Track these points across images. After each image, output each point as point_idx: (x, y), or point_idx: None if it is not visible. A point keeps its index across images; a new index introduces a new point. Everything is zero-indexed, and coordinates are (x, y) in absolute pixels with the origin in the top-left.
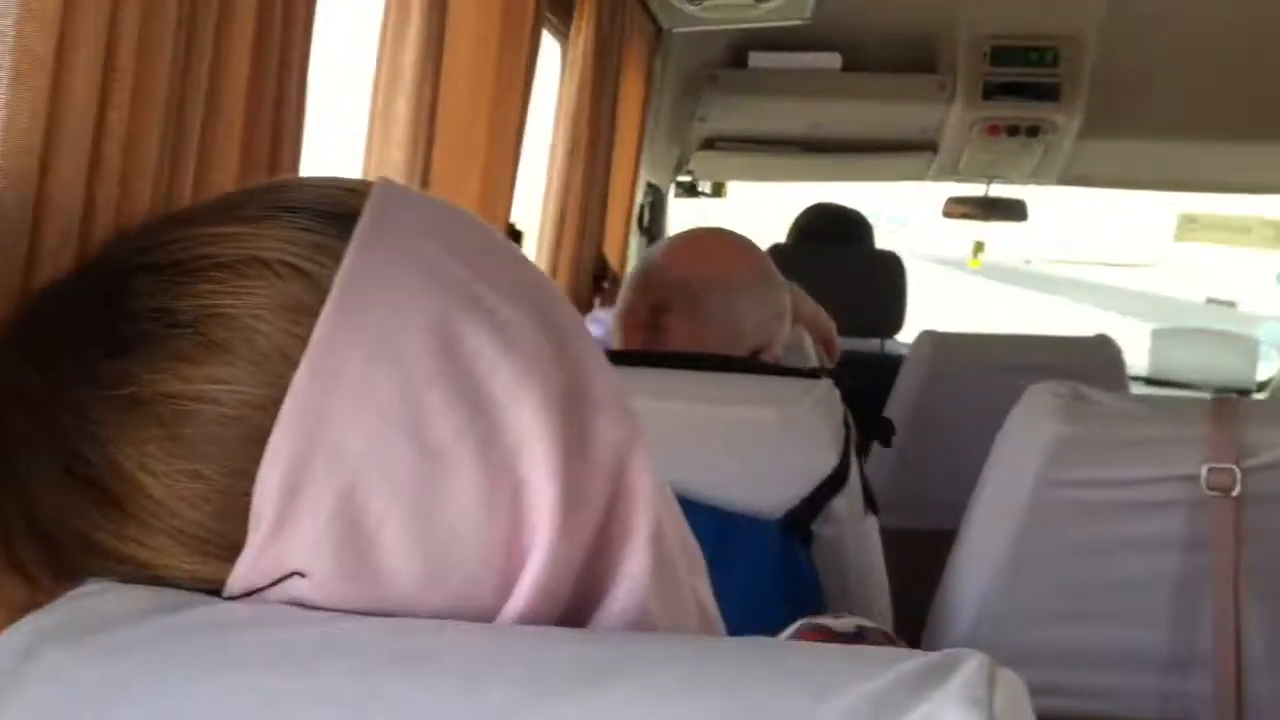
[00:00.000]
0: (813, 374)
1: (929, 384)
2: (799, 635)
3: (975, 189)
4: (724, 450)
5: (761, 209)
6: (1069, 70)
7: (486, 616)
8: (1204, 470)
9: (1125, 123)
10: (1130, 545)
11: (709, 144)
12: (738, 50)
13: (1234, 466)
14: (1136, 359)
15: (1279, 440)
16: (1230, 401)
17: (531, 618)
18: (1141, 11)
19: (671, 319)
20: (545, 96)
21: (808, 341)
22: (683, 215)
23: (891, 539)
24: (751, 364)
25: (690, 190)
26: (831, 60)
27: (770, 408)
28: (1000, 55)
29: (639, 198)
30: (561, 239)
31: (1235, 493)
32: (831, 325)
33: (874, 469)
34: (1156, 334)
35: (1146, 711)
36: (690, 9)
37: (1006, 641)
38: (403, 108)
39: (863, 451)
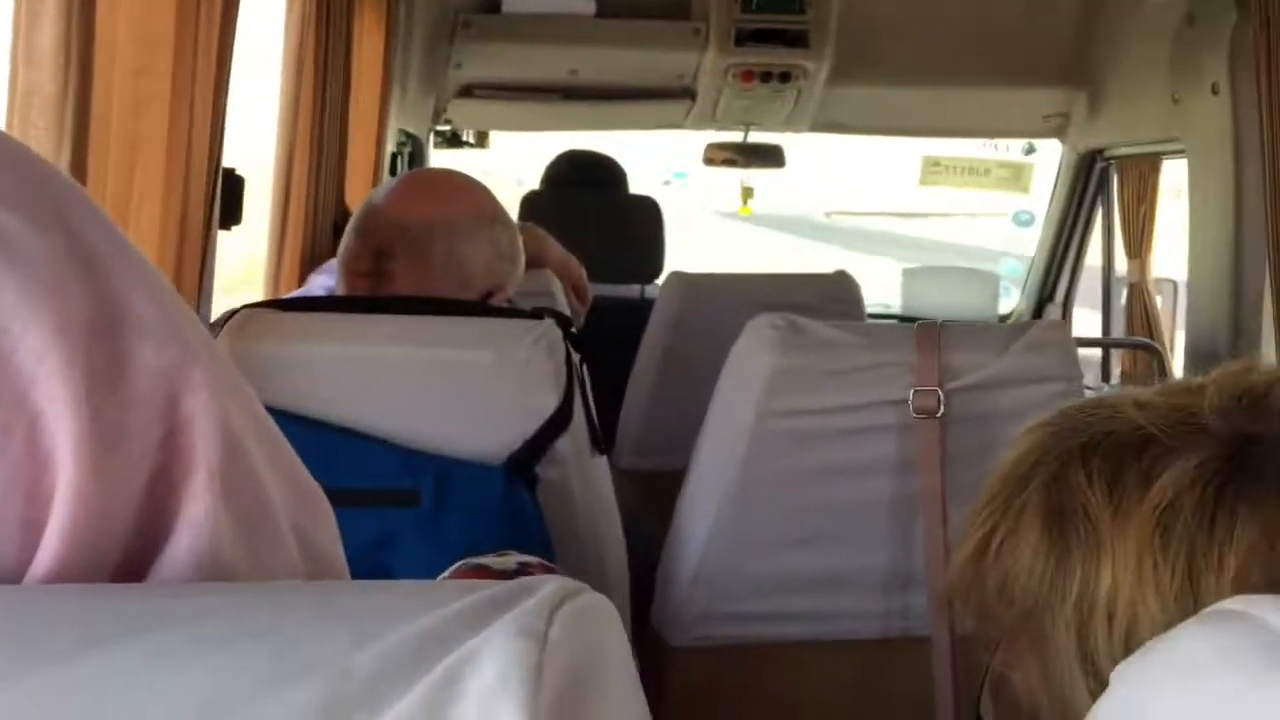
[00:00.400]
0: (535, 315)
1: (678, 324)
2: (456, 575)
3: (736, 136)
4: (443, 395)
5: (537, 159)
6: (817, 17)
7: (14, 576)
8: (911, 394)
9: (872, 69)
10: (848, 470)
11: (466, 92)
12: None
13: (938, 389)
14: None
15: (979, 362)
16: (934, 326)
17: (66, 574)
18: None
19: (395, 264)
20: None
21: (556, 287)
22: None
23: (645, 480)
24: (472, 306)
25: (453, 140)
26: (586, 5)
27: (487, 349)
28: (750, 1)
29: (390, 146)
30: (290, 186)
31: (940, 414)
32: (581, 271)
33: (627, 412)
34: (907, 273)
35: (871, 631)
36: None
37: (734, 571)
38: (48, 33)
39: (616, 395)
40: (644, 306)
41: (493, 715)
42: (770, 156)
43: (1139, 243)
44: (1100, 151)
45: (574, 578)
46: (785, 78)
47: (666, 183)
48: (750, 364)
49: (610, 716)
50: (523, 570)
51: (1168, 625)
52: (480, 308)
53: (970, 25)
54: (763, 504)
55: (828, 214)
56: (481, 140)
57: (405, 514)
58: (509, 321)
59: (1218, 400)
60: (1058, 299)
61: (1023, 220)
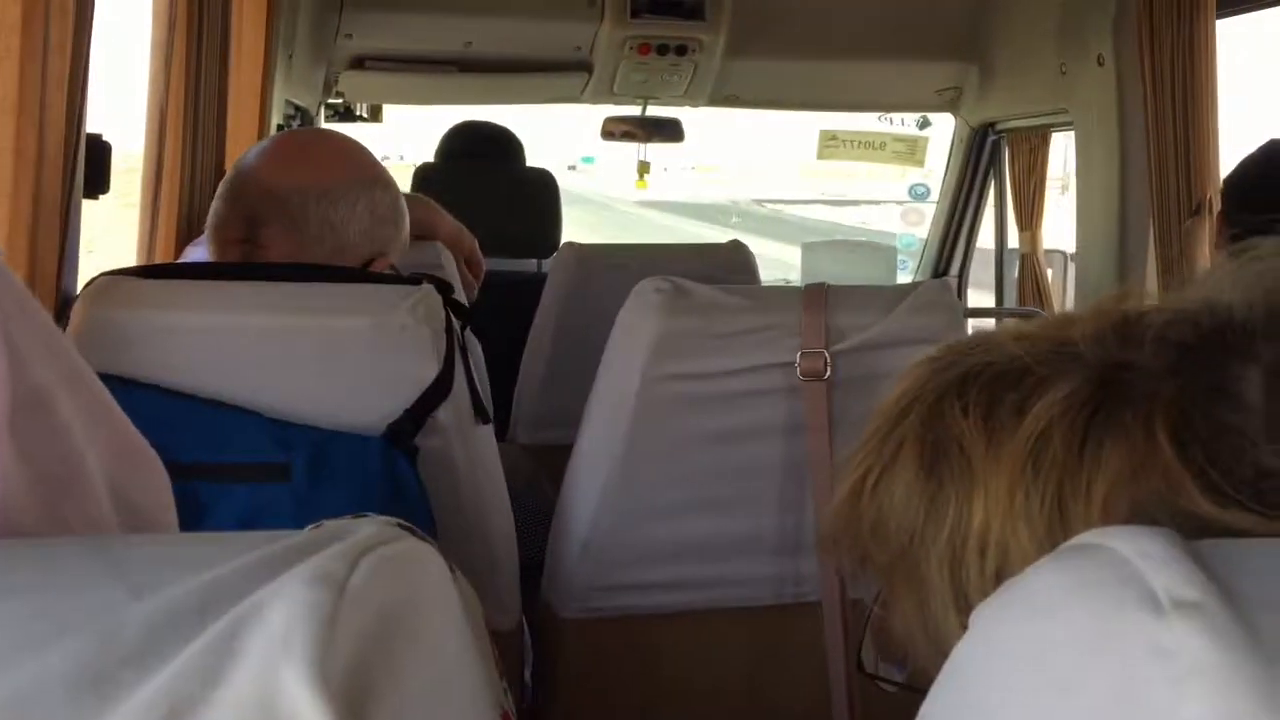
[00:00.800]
0: (413, 280)
1: (571, 297)
2: None
3: (634, 111)
4: (317, 364)
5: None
6: None
7: None
8: (798, 357)
9: (768, 43)
10: (736, 435)
11: (358, 64)
12: None
13: (824, 352)
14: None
15: (863, 324)
16: (821, 288)
17: None
18: None
19: (268, 232)
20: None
21: (447, 259)
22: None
23: (543, 454)
24: (348, 273)
25: (345, 114)
26: None
27: (363, 316)
28: None
29: (275, 118)
30: (163, 155)
31: (826, 377)
32: (474, 243)
33: (523, 386)
34: (806, 247)
35: (764, 597)
36: None
37: (625, 536)
38: None
39: (514, 369)
40: (540, 281)
41: (274, 674)
42: (669, 130)
43: (1030, 215)
44: (992, 125)
45: (458, 550)
46: (682, 50)
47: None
48: (635, 328)
49: (426, 669)
50: None
51: (1038, 558)
52: (357, 274)
53: (862, 2)
54: (650, 471)
55: (758, 201)
56: (375, 114)
57: (277, 489)
58: (386, 288)
59: (1091, 329)
60: (953, 271)
61: (918, 193)
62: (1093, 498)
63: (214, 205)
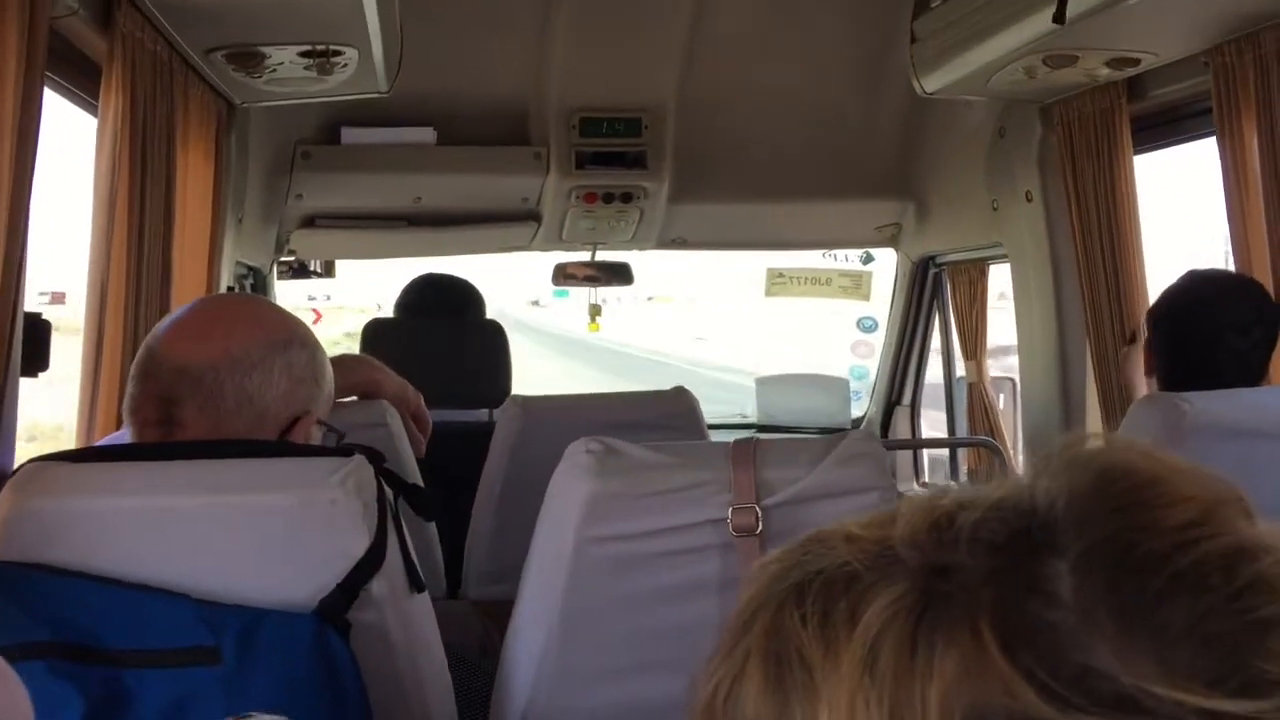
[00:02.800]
0: (344, 451)
1: (517, 449)
2: None
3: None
4: (244, 543)
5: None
6: (653, 139)
7: None
8: (729, 513)
9: (711, 187)
10: (673, 594)
11: (309, 222)
12: (329, 126)
13: (755, 506)
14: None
15: (792, 477)
16: (749, 442)
17: None
18: (713, 85)
19: (183, 411)
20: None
21: (392, 417)
22: (293, 297)
23: (493, 610)
24: (271, 446)
25: (300, 270)
26: (426, 134)
27: (289, 492)
28: (588, 126)
29: (225, 279)
30: (103, 328)
31: (759, 531)
32: (419, 398)
33: (473, 540)
34: (760, 382)
35: None
36: (255, 84)
37: (565, 703)
38: None
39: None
40: (492, 430)
41: None
42: (620, 274)
43: (973, 344)
44: (932, 258)
45: None
46: (627, 198)
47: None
48: (567, 491)
49: None
50: None
51: None
52: (281, 446)
53: (800, 144)
54: (588, 634)
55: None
56: (329, 268)
57: (206, 673)
58: (314, 461)
59: (907, 531)
60: (905, 400)
61: (866, 326)
62: (928, 706)
63: (128, 387)
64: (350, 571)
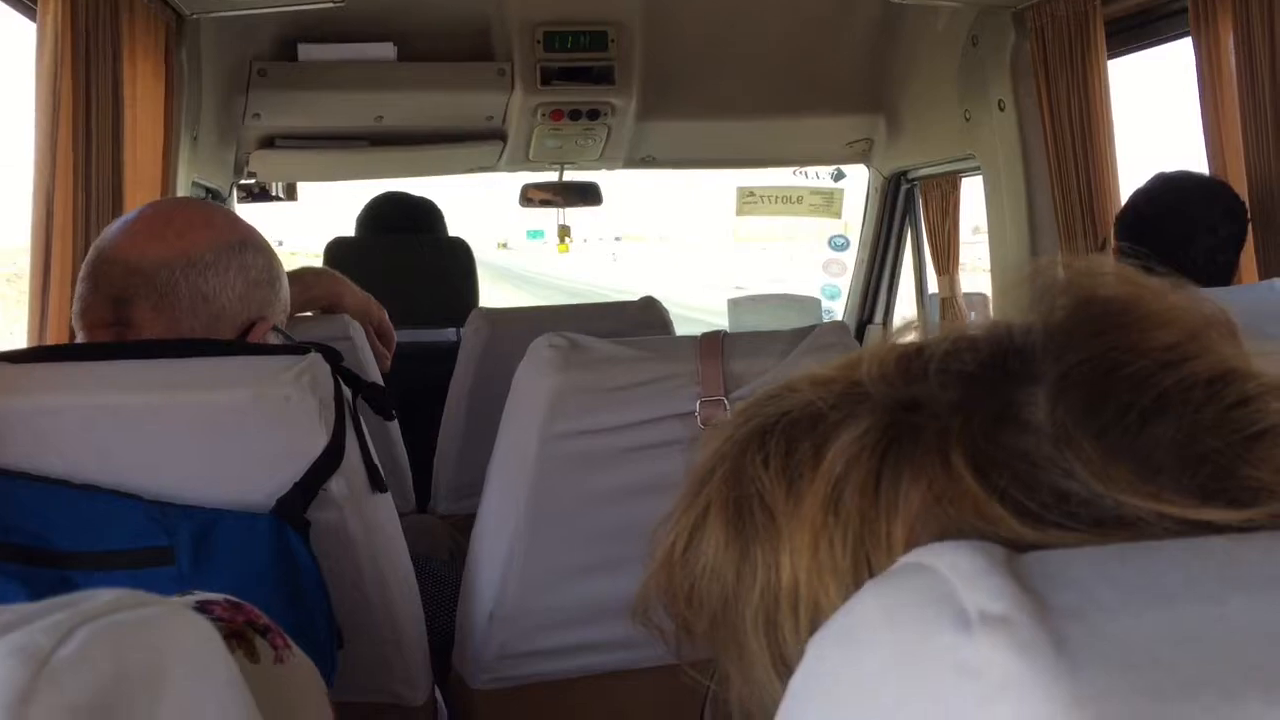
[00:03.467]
0: (298, 349)
1: (483, 363)
2: None
3: (552, 177)
4: (198, 442)
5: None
6: (620, 54)
7: None
8: (697, 405)
9: (681, 103)
10: (640, 489)
11: (268, 143)
12: (286, 42)
13: (723, 399)
14: None
15: (761, 369)
16: (718, 335)
17: None
18: None
19: (137, 311)
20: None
21: (355, 331)
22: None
23: (463, 524)
24: (226, 345)
25: (260, 194)
26: (386, 50)
27: (243, 389)
28: (552, 40)
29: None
30: (51, 246)
31: None
32: (382, 312)
33: (441, 456)
34: (732, 303)
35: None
36: None
37: (532, 603)
38: None
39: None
40: (458, 349)
41: None
42: (588, 194)
43: (946, 259)
44: (904, 173)
45: (358, 625)
46: (595, 115)
47: (503, 245)
48: (530, 387)
49: None
50: (202, 609)
51: None
52: (236, 345)
53: (770, 58)
54: (554, 534)
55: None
56: (290, 193)
57: (160, 574)
58: (268, 359)
59: (876, 368)
60: (877, 319)
61: (838, 244)
62: (893, 540)
63: (77, 289)
64: (308, 470)
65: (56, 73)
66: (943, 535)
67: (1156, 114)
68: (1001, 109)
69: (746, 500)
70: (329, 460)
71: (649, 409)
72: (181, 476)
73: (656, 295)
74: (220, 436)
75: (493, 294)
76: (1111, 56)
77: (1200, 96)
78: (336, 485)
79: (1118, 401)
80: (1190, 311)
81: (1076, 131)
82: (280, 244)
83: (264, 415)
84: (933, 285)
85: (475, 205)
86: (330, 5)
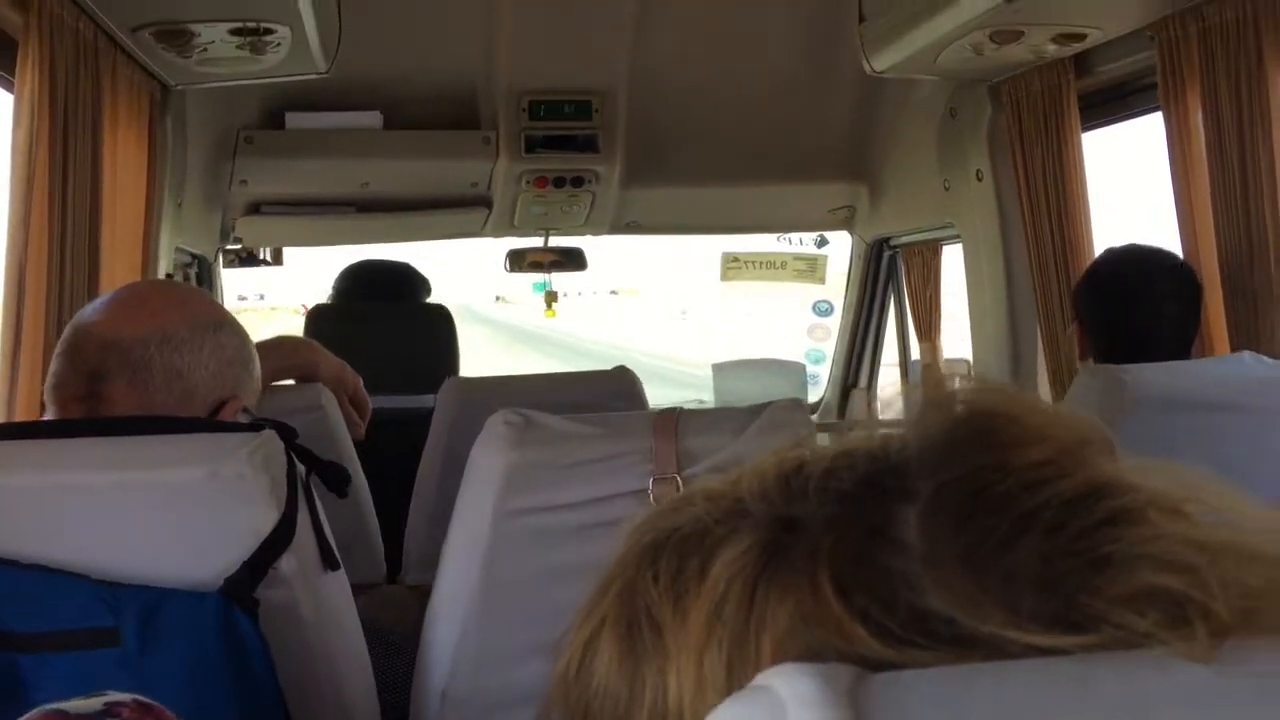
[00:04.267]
0: (254, 427)
1: (456, 430)
2: None
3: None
4: (147, 520)
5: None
6: (604, 122)
7: None
8: (650, 483)
9: (664, 170)
10: (594, 566)
11: (255, 209)
12: (273, 111)
13: (676, 476)
14: None
15: (715, 446)
16: (672, 412)
17: None
18: (664, 67)
19: (110, 386)
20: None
21: (327, 400)
22: (241, 285)
23: (430, 594)
24: (189, 423)
25: (248, 259)
26: (372, 119)
27: (195, 467)
28: (537, 109)
29: (164, 266)
30: (22, 321)
31: None
32: (358, 380)
33: (412, 524)
34: (716, 367)
35: None
36: (188, 64)
37: (485, 681)
38: None
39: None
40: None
41: None
42: (572, 260)
43: (928, 325)
44: (886, 240)
45: (309, 706)
46: (579, 182)
47: (499, 298)
48: (486, 463)
49: None
50: (109, 712)
51: None
52: (197, 423)
53: (753, 126)
54: (507, 610)
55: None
56: (277, 257)
57: (105, 655)
58: (223, 436)
59: (755, 484)
60: (861, 384)
61: (822, 310)
62: (761, 658)
63: (53, 365)
64: (258, 548)
65: (33, 145)
66: (807, 654)
67: (1132, 184)
68: (979, 179)
69: (637, 617)
70: (279, 538)
71: (603, 486)
72: (132, 555)
73: (651, 351)
74: (172, 514)
75: (489, 353)
76: (1085, 129)
77: (1171, 168)
78: (287, 563)
79: (983, 523)
80: (1065, 429)
81: (1052, 202)
82: (262, 298)
83: (216, 493)
84: (915, 351)
85: (472, 257)
86: (316, 76)
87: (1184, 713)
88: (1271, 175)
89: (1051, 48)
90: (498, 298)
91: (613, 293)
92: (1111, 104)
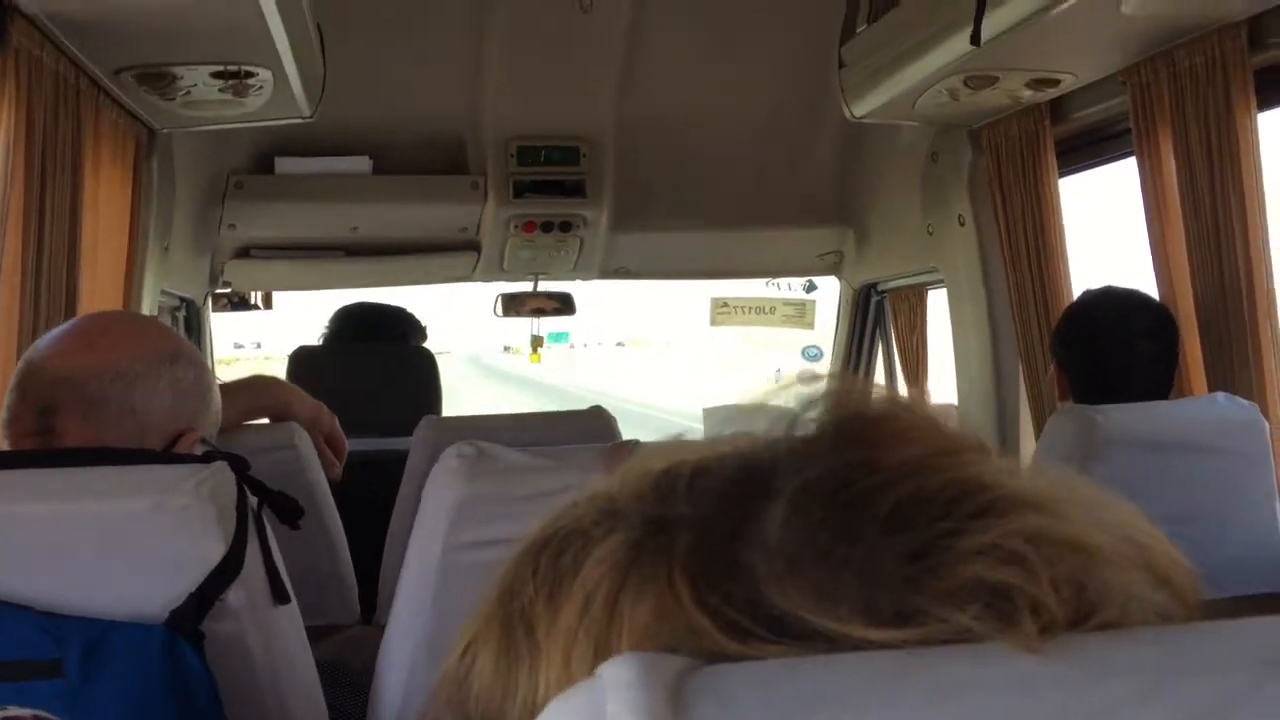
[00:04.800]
0: (209, 458)
1: (432, 466)
2: None
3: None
4: (99, 551)
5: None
6: (592, 168)
7: None
8: None
9: (652, 215)
10: None
11: (244, 253)
12: (262, 155)
13: None
14: None
15: None
16: (626, 445)
17: None
18: (651, 112)
19: (63, 420)
20: None
21: (302, 440)
22: (235, 331)
23: None
24: (144, 455)
25: (239, 303)
26: (361, 164)
27: (141, 497)
28: (525, 155)
29: (146, 310)
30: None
31: None
32: (334, 421)
33: (386, 565)
34: (708, 412)
35: None
36: (173, 108)
37: None
38: None
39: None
40: None
41: None
42: (562, 304)
43: (915, 370)
44: (874, 285)
45: None
46: (567, 227)
47: (508, 348)
48: (437, 496)
49: None
50: None
51: None
52: (149, 455)
53: (741, 172)
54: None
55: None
56: (268, 301)
57: (48, 686)
58: (173, 467)
59: (632, 485)
60: None
61: (811, 355)
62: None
63: (6, 399)
64: (204, 580)
65: (7, 185)
66: (663, 649)
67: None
68: (961, 224)
69: (515, 616)
70: (226, 570)
71: None
72: (77, 586)
73: (662, 403)
74: (118, 546)
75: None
76: (1062, 174)
77: (1145, 212)
78: (235, 595)
79: (839, 519)
80: (937, 430)
81: (1031, 246)
82: (259, 346)
83: (162, 525)
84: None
85: (477, 304)
86: (302, 120)
87: (1000, 700)
88: (1243, 216)
89: (1027, 93)
90: (506, 348)
91: (619, 344)
92: (1088, 149)
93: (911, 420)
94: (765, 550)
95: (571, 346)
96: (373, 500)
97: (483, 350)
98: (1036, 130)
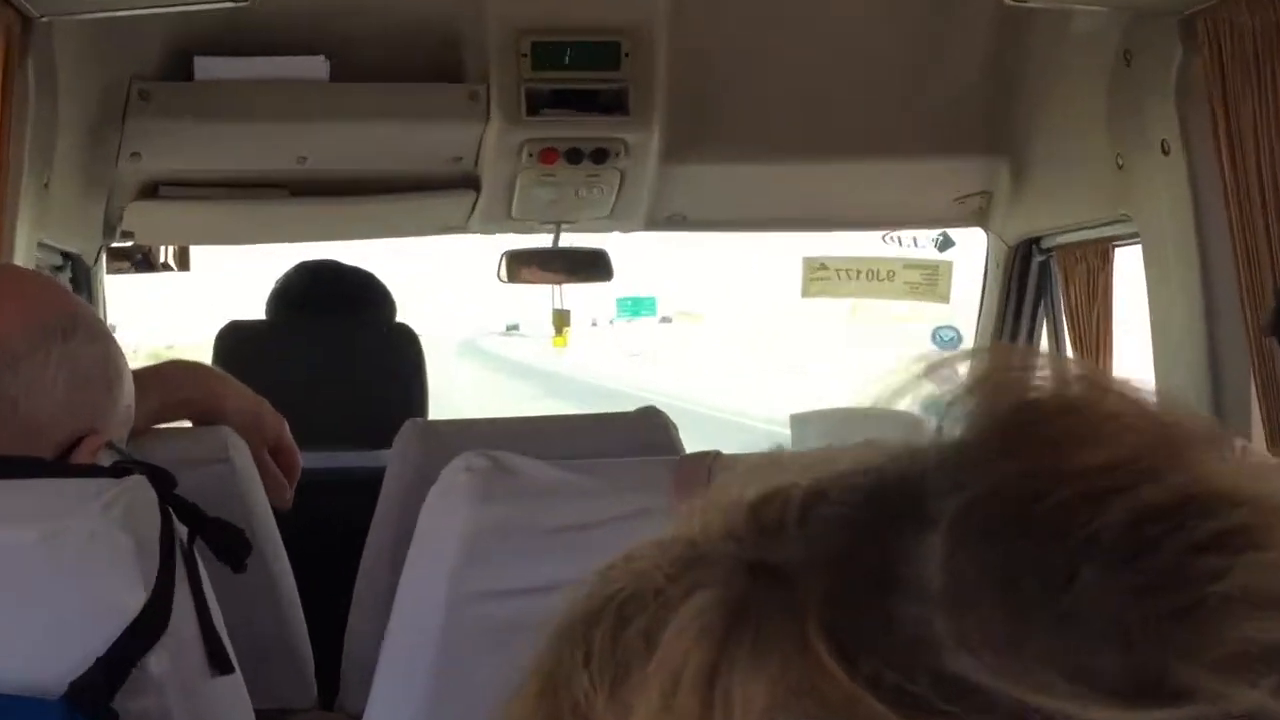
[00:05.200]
0: (120, 471)
1: (417, 494)
2: None
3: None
4: None
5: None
6: (637, 73)
7: None
8: None
9: (720, 142)
10: None
11: (150, 191)
12: (178, 55)
13: None
14: None
15: None
16: (704, 458)
17: None
18: None
19: None
20: None
21: (236, 449)
22: (142, 294)
23: None
24: (31, 466)
25: (141, 261)
26: (314, 67)
27: (30, 525)
28: (544, 54)
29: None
30: None
31: None
32: (281, 425)
33: (353, 628)
34: (797, 419)
35: None
36: None
37: None
38: None
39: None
40: None
41: None
42: (593, 266)
43: (1095, 357)
44: (1036, 241)
45: None
46: (601, 156)
47: (514, 326)
48: (438, 526)
49: None
50: None
51: None
52: (38, 466)
53: (847, 83)
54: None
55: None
56: (183, 260)
57: None
58: (70, 482)
59: (718, 523)
60: None
61: (945, 339)
62: None
63: None
64: (116, 640)
65: None
66: None
67: None
68: (1166, 152)
69: (563, 717)
70: (147, 626)
71: (599, 560)
72: None
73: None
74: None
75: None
76: None
77: None
78: (157, 661)
79: (1027, 551)
80: (1144, 419)
81: (1268, 182)
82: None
83: (58, 562)
84: None
85: (474, 274)
86: (233, 4)
87: None
88: None
89: None
90: (510, 327)
91: (663, 320)
92: None
93: (1109, 407)
94: (924, 597)
95: (594, 324)
96: (331, 536)
97: (479, 332)
98: (1278, 19)
